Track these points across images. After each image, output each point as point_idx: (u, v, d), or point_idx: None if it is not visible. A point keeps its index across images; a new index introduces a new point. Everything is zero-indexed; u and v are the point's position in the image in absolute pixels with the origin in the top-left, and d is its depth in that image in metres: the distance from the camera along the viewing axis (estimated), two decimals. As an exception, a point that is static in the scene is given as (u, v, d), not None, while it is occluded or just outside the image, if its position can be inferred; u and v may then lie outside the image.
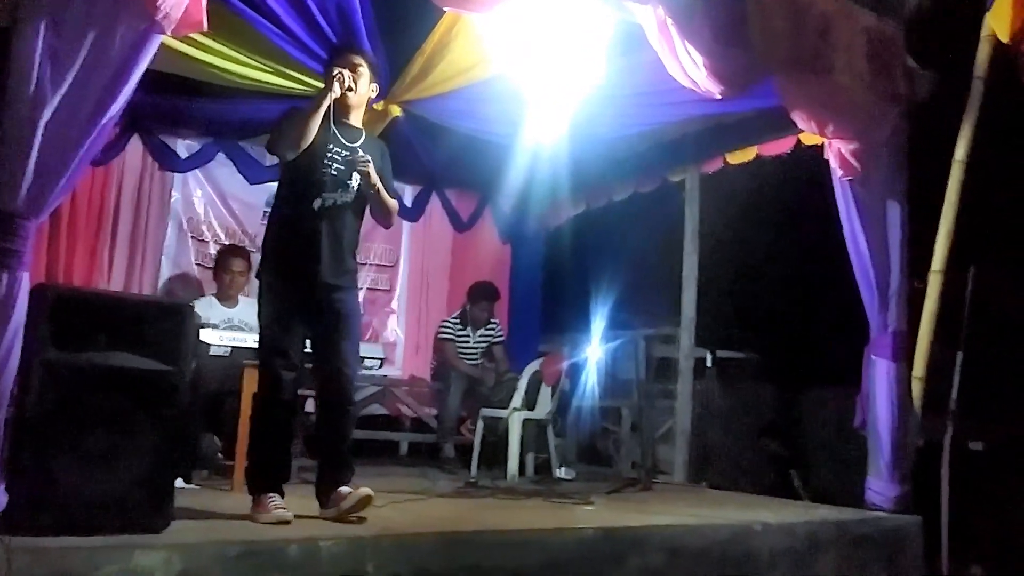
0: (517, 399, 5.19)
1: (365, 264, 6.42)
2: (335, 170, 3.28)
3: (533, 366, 5.36)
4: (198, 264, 5.97)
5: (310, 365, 3.34)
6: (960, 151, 4.19)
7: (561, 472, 5.27)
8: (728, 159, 5.45)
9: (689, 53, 3.61)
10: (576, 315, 6.57)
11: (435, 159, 6.12)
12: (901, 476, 4.14)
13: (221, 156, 5.96)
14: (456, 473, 5.29)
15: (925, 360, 4.22)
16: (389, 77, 4.64)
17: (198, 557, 2.46)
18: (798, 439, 6.07)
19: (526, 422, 5.15)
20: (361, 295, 5.32)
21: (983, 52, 4.18)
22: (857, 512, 4.14)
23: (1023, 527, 4.12)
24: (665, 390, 6.22)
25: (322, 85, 3.28)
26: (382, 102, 4.82)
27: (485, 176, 6.33)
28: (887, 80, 4.17)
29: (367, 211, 3.45)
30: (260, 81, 4.60)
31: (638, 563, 3.20)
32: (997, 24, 4.06)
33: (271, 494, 3.07)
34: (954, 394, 4.37)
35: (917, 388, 4.22)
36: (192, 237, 5.99)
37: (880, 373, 4.20)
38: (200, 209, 6.04)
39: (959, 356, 4.35)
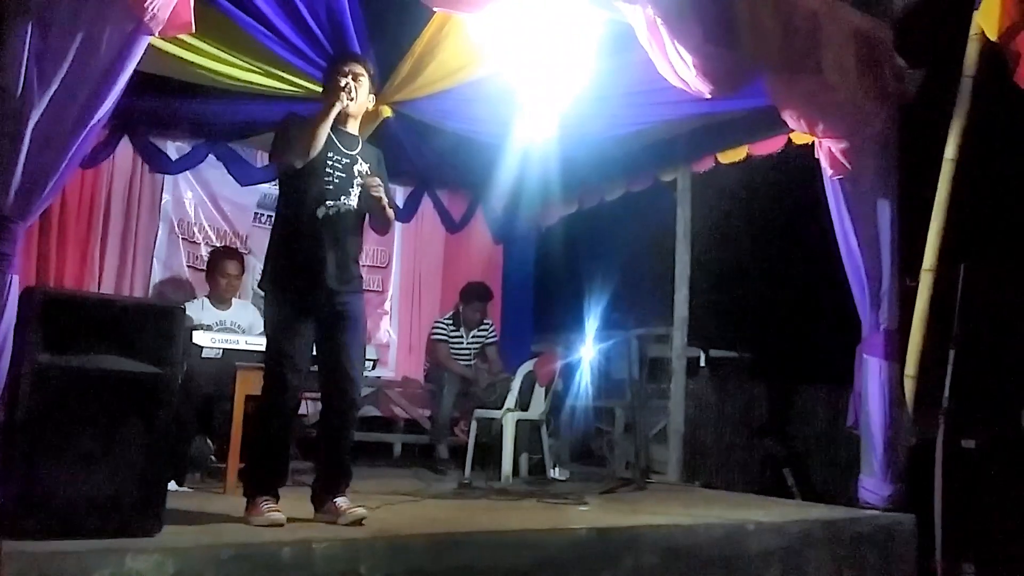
0: (510, 400, 5.19)
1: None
2: (336, 178, 3.28)
3: (526, 366, 5.36)
4: (189, 266, 5.95)
5: (314, 368, 3.33)
6: (950, 149, 4.20)
7: (555, 472, 5.27)
8: (719, 158, 5.46)
9: (679, 53, 3.61)
10: (569, 315, 6.58)
11: (426, 160, 6.11)
12: (894, 474, 4.16)
13: (212, 158, 5.94)
14: (450, 474, 5.29)
15: (917, 358, 4.23)
16: (380, 78, 4.63)
17: (191, 560, 2.45)
18: (791, 438, 6.09)
19: (520, 423, 5.14)
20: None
21: (972, 50, 4.19)
22: (850, 511, 4.16)
23: (1016, 525, 4.12)
24: (658, 390, 6.22)
25: (311, 87, 3.28)
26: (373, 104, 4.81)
27: (477, 176, 6.32)
28: (876, 79, 4.18)
29: (367, 217, 3.46)
30: (249, 82, 4.59)
31: (632, 563, 3.20)
32: (985, 22, 4.07)
33: (266, 497, 3.06)
34: (946, 392, 4.37)
35: (909, 386, 4.24)
36: (183, 239, 5.97)
37: (872, 372, 4.22)
38: (191, 211, 6.02)
39: (951, 354, 4.36)
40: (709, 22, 3.63)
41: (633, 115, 5.00)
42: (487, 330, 6.17)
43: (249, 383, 4.04)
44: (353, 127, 3.43)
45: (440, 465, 5.56)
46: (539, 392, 5.31)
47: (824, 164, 4.27)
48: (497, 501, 4.18)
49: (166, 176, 5.90)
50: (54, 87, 2.69)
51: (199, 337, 4.18)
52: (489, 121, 5.05)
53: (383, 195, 3.33)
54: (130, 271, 5.72)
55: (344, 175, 3.30)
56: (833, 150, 4.21)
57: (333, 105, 3.20)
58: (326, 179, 3.26)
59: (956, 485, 4.21)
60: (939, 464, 4.26)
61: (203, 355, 4.15)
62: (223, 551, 2.51)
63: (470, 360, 6.06)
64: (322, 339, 3.28)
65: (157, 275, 5.83)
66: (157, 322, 2.73)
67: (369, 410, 6.31)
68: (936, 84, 4.35)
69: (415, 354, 6.75)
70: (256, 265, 5.89)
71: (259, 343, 4.23)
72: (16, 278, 2.70)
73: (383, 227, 3.53)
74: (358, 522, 3.04)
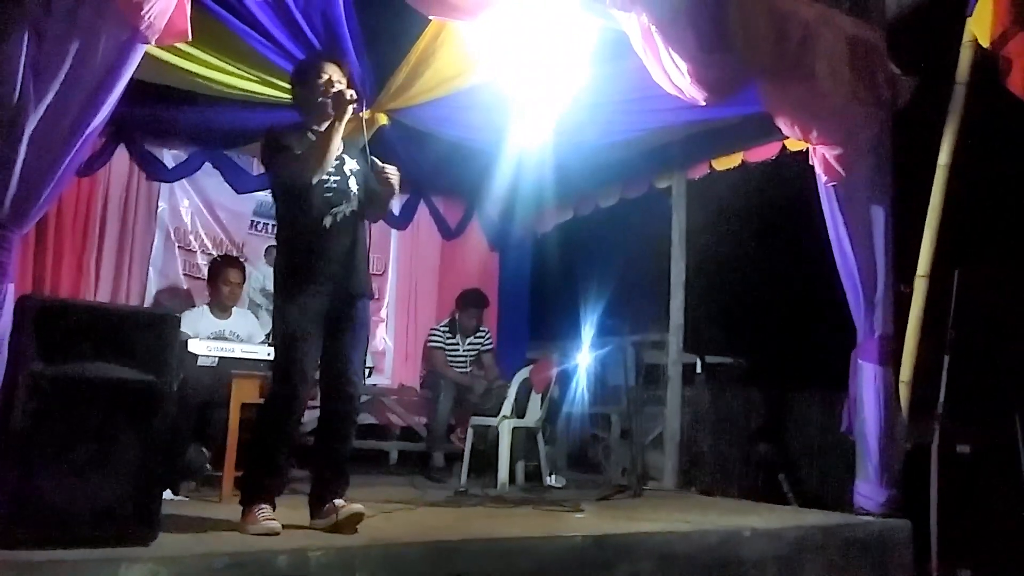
0: (507, 407, 5.18)
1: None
2: (334, 182, 3.28)
3: (523, 373, 5.35)
4: (186, 274, 5.95)
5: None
6: (943, 156, 4.21)
7: (551, 480, 5.27)
8: (714, 165, 5.49)
9: (673, 60, 3.63)
10: (565, 322, 6.57)
11: (422, 167, 6.11)
12: (889, 480, 4.15)
13: (208, 166, 5.94)
14: (446, 482, 5.28)
15: (912, 364, 4.23)
16: (375, 85, 4.64)
17: (186, 569, 2.44)
18: (787, 444, 6.09)
19: (516, 430, 5.14)
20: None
21: (965, 57, 4.21)
22: (846, 516, 4.16)
23: (1011, 530, 4.13)
24: (654, 396, 6.21)
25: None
26: (368, 111, 4.82)
27: (472, 183, 6.33)
28: (870, 86, 4.20)
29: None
30: (246, 90, 4.59)
31: (628, 570, 3.20)
32: (978, 29, 4.09)
33: (262, 505, 3.06)
34: (941, 397, 4.39)
35: (904, 392, 4.24)
36: (179, 247, 5.96)
37: (867, 377, 4.21)
38: (187, 219, 6.02)
39: (946, 359, 4.38)
40: (703, 29, 3.64)
41: (628, 122, 5.01)
42: (483, 337, 6.17)
43: (245, 391, 4.04)
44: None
45: (436, 473, 5.56)
46: (535, 399, 5.31)
47: (818, 170, 4.28)
48: (493, 508, 4.17)
49: (162, 184, 5.90)
50: (50, 95, 2.69)
51: (195, 345, 4.18)
52: (485, 128, 5.06)
53: (397, 184, 3.33)
54: (126, 279, 5.72)
55: (339, 177, 3.31)
56: (827, 156, 4.22)
57: (341, 117, 3.15)
58: (326, 186, 3.26)
59: (951, 490, 4.22)
60: (934, 469, 4.27)
61: (199, 363, 4.15)
62: (218, 560, 2.50)
63: (466, 367, 6.06)
64: (328, 343, 3.26)
65: (153, 283, 5.83)
66: (151, 330, 2.72)
67: (365, 418, 6.28)
68: (929, 90, 4.37)
69: (411, 361, 6.74)
70: (253, 273, 5.89)
71: (255, 351, 4.25)
72: (11, 286, 2.69)
73: (380, 211, 3.53)
74: (357, 516, 3.04)
